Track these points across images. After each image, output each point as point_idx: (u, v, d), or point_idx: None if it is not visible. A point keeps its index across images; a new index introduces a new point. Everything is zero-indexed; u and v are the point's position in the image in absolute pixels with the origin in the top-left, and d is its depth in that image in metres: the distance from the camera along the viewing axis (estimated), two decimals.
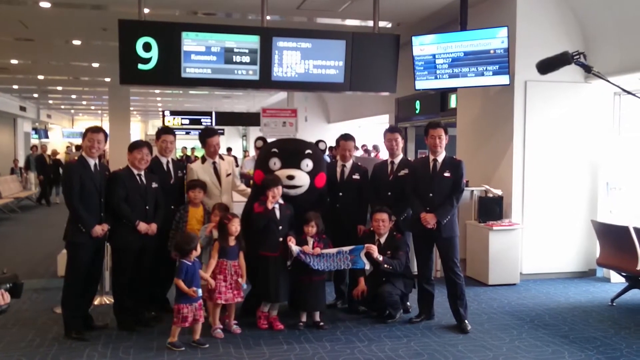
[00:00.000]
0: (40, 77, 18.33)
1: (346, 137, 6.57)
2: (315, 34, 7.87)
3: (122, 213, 5.50)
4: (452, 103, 9.84)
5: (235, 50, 7.49)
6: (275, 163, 5.89)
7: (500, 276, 7.61)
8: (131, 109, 21.69)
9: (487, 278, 7.61)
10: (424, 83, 8.34)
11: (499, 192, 7.90)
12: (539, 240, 7.92)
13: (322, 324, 5.82)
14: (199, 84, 7.68)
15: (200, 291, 5.27)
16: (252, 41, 7.51)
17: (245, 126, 28.65)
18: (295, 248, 5.58)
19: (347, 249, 5.76)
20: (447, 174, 5.82)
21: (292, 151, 6.00)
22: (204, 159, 6.45)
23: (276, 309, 5.85)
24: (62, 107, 32.18)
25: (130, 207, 5.54)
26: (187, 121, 20.78)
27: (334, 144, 7.79)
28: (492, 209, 7.81)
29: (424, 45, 8.20)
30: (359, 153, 13.69)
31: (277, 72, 7.64)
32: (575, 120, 7.97)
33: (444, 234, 5.80)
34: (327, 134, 16.87)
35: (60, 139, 35.31)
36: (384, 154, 13.46)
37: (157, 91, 22.05)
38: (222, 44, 7.45)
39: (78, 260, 5.41)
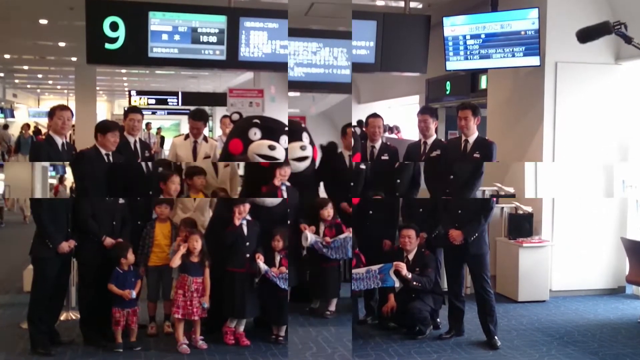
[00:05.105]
0: (6, 56, 18.03)
1: (375, 115, 6.71)
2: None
3: (90, 229, 5.44)
4: (483, 84, 9.71)
5: (201, 30, 7.48)
6: (255, 133, 6.04)
7: (529, 293, 7.46)
8: (97, 88, 21.46)
9: (516, 295, 7.46)
10: (454, 64, 8.28)
11: (529, 209, 7.76)
12: (568, 257, 7.76)
13: (280, 338, 5.76)
14: (166, 63, 7.67)
15: (133, 293, 5.44)
16: (220, 21, 7.53)
17: (212, 106, 28.47)
18: (312, 239, 6.10)
19: (375, 268, 5.77)
20: (477, 155, 5.81)
21: (273, 125, 6.24)
22: (187, 136, 6.69)
23: (243, 324, 5.77)
24: (28, 86, 31.64)
25: (95, 192, 5.52)
26: (153, 101, 20.62)
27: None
28: (522, 226, 7.67)
29: (455, 26, 8.13)
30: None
31: (245, 52, 7.66)
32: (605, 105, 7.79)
33: (472, 250, 5.75)
34: (358, 113, 16.65)
35: (27, 118, 34.70)
36: (406, 134, 13.48)
37: (123, 71, 21.82)
38: (189, 24, 7.48)
39: (44, 275, 5.32)
